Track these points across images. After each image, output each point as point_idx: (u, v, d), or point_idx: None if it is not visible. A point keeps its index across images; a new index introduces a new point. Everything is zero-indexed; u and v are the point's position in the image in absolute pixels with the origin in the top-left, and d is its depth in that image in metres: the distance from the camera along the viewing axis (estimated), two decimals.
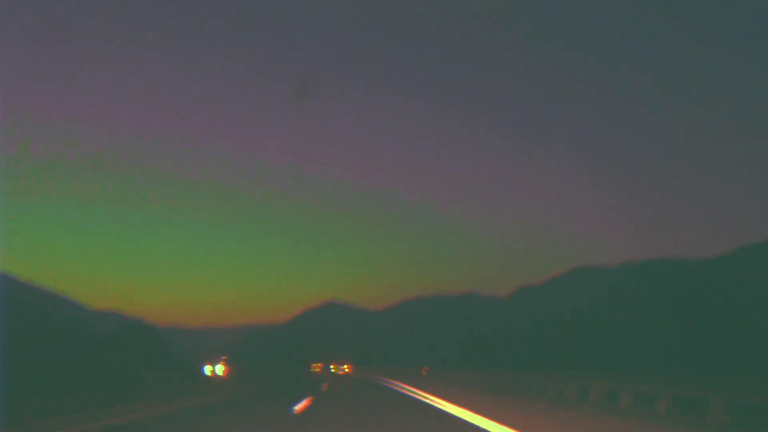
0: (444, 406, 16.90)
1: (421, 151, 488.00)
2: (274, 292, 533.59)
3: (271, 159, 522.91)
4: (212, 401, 21.41)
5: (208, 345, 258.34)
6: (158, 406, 18.92)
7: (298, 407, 17.27)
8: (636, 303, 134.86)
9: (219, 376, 67.19)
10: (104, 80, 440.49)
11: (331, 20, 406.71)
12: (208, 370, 70.19)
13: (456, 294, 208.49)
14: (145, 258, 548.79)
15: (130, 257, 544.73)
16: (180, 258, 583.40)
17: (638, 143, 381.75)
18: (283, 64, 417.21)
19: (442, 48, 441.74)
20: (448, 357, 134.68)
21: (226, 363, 68.97)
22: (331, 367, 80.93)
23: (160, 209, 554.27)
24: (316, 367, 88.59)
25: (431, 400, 19.79)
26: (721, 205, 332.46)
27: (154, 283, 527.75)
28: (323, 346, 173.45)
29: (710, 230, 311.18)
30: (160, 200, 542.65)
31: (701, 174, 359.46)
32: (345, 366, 78.63)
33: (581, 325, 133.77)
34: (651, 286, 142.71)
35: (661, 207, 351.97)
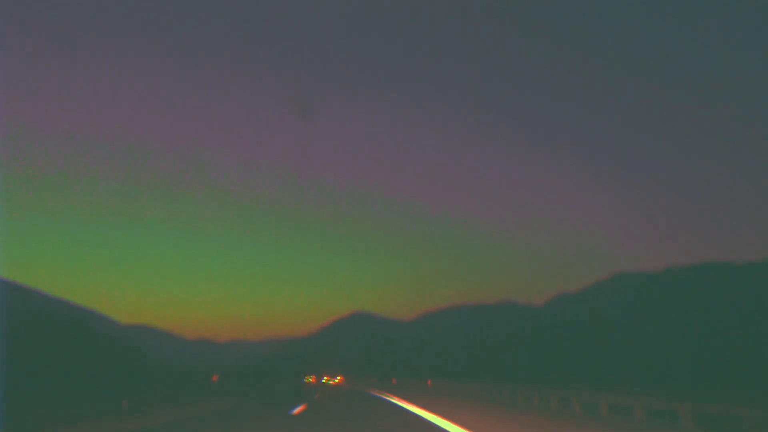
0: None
1: (454, 163, 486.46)
2: (302, 303, 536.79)
3: (301, 172, 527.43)
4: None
5: (235, 357, 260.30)
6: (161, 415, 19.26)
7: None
8: (680, 308, 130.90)
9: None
10: (121, 95, 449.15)
11: (337, 32, 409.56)
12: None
13: (491, 303, 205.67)
14: (174, 272, 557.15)
15: (158, 271, 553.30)
16: (208, 272, 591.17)
17: (682, 148, 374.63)
18: (295, 73, 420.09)
19: (468, 59, 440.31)
20: (479, 366, 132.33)
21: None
22: (324, 378, 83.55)
23: (191, 224, 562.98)
24: (310, 378, 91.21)
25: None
26: None
27: (183, 297, 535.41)
28: (350, 357, 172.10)
29: (756, 233, 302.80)
30: (189, 215, 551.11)
31: (746, 176, 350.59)
32: (337, 377, 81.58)
33: (622, 331, 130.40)
34: (696, 291, 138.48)
35: (704, 210, 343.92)
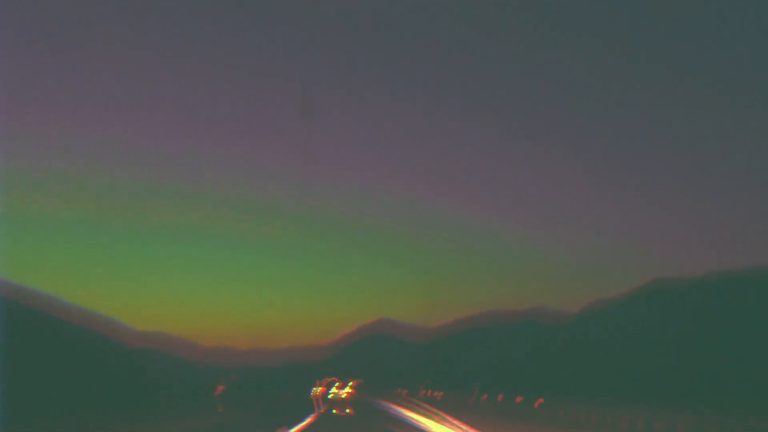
0: None
1: (485, 167, 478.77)
2: (326, 310, 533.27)
3: (320, 175, 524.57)
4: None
5: (255, 365, 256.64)
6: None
7: None
8: (727, 315, 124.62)
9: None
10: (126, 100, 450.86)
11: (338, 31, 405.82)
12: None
13: (522, 309, 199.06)
14: (192, 278, 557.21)
15: (176, 278, 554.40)
16: (228, 278, 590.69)
17: (724, 149, 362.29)
18: (304, 74, 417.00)
19: (483, 57, 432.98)
20: (512, 376, 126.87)
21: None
22: (331, 391, 75.61)
23: (210, 230, 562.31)
24: (318, 390, 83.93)
25: None
26: None
27: (202, 304, 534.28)
28: (374, 366, 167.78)
29: None
30: (208, 221, 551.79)
31: None
32: (347, 388, 73.68)
33: (662, 340, 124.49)
34: (743, 297, 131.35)
35: (749, 212, 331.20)
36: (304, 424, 39.65)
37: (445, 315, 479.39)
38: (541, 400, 48.66)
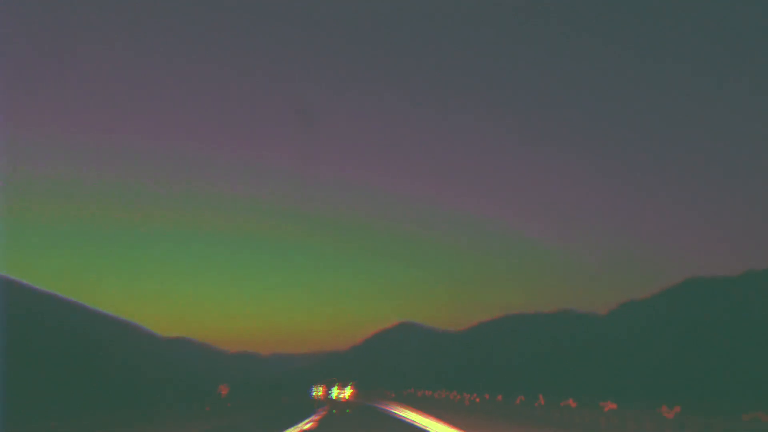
0: None
1: (507, 167, 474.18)
2: (347, 314, 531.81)
3: (341, 178, 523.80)
4: None
5: (277, 371, 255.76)
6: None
7: None
8: (760, 314, 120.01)
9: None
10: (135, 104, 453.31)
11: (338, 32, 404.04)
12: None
13: (549, 312, 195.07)
14: (216, 284, 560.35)
15: (200, 283, 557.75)
16: (252, 284, 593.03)
17: (759, 144, 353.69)
18: (303, 77, 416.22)
19: (494, 57, 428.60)
20: (542, 380, 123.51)
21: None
22: (334, 390, 75.88)
23: (234, 235, 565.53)
24: (320, 392, 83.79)
25: None
26: None
27: (225, 309, 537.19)
28: (396, 370, 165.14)
29: None
30: (226, 224, 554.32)
31: None
32: (347, 389, 74.96)
33: (697, 341, 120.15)
34: None
35: None
36: (308, 421, 38.74)
37: (468, 318, 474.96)
38: (570, 402, 45.57)
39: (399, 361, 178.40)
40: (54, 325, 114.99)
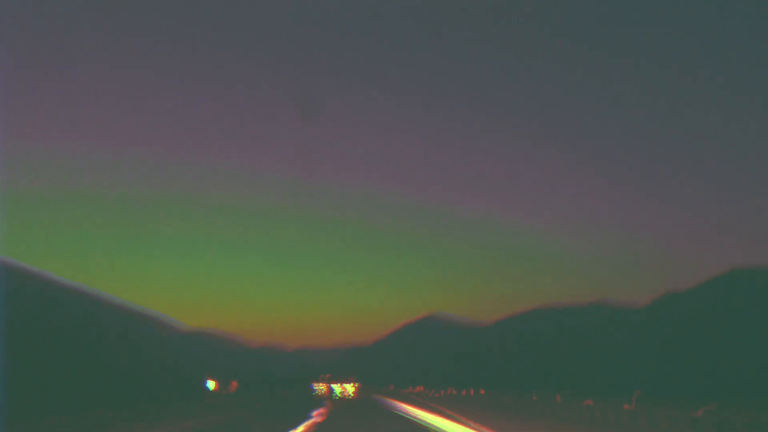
0: None
1: (542, 158, 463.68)
2: (374, 307, 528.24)
3: (368, 180, 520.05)
4: None
5: (302, 365, 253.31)
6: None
7: None
8: None
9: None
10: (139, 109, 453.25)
11: (335, 28, 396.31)
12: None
13: (583, 304, 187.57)
14: (242, 277, 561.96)
15: (226, 275, 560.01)
16: (278, 277, 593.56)
17: None
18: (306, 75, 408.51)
19: (499, 54, 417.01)
20: (576, 376, 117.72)
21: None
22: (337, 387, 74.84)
23: (257, 229, 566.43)
24: (322, 388, 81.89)
25: None
26: None
27: (252, 302, 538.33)
28: (423, 365, 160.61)
29: None
30: (256, 222, 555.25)
31: None
32: (351, 385, 74.13)
33: (741, 333, 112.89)
34: None
35: None
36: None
37: (498, 311, 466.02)
38: (590, 402, 40.80)
39: (423, 355, 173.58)
40: (79, 317, 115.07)
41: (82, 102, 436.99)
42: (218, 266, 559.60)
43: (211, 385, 75.42)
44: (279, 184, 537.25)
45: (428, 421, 38.14)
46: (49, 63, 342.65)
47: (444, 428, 34.28)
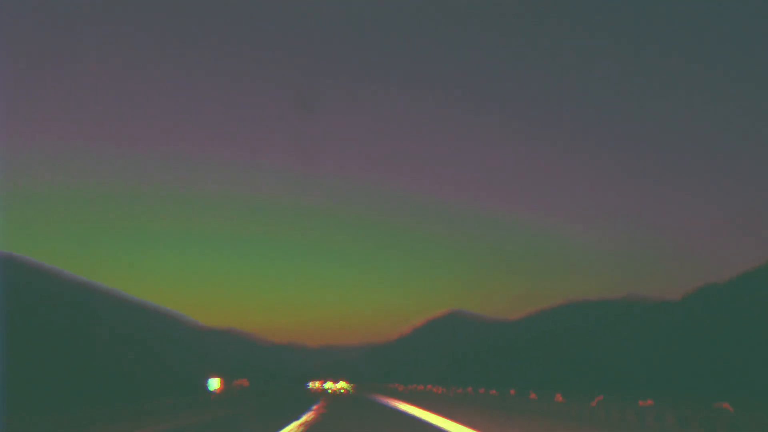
0: None
1: (570, 148, 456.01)
2: (397, 303, 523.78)
3: (390, 179, 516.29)
4: None
5: (325, 363, 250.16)
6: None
7: None
8: None
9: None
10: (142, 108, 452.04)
11: (336, 23, 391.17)
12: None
13: (614, 298, 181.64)
14: (263, 274, 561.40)
15: (246, 274, 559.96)
16: (299, 275, 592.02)
17: None
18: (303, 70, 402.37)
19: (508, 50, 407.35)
20: (609, 374, 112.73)
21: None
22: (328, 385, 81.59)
23: (275, 227, 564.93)
24: (316, 385, 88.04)
25: None
26: None
27: (272, 300, 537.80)
28: (445, 362, 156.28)
29: None
30: (277, 221, 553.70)
31: None
32: (342, 383, 79.04)
33: None
34: None
35: None
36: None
37: (525, 306, 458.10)
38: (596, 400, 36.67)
39: (446, 352, 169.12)
40: (96, 314, 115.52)
41: (83, 99, 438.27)
42: (239, 264, 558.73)
43: (214, 383, 71.72)
44: (303, 184, 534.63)
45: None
46: (48, 59, 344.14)
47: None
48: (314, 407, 55.71)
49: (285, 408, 56.42)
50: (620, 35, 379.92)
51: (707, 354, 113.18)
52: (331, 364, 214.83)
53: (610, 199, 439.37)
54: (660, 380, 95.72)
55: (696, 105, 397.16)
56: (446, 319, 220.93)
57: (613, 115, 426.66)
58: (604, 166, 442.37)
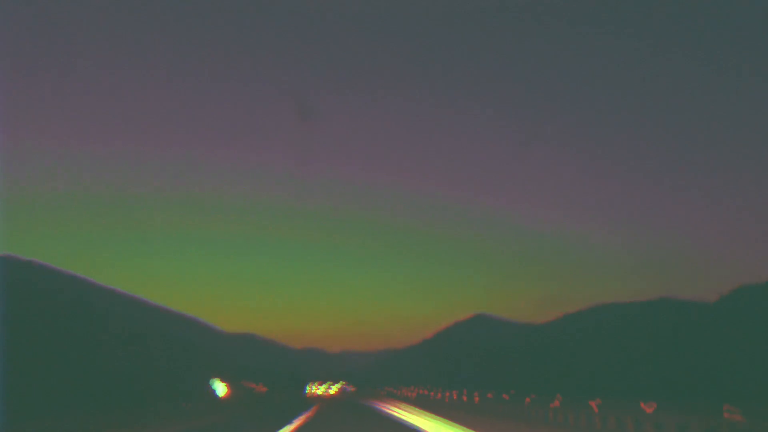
0: None
1: (607, 145, 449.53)
2: (420, 307, 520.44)
3: (411, 185, 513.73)
4: None
5: (345, 368, 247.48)
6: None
7: None
8: None
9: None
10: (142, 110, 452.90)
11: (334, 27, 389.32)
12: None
13: (646, 299, 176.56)
14: (283, 280, 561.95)
15: (267, 280, 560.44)
16: (321, 280, 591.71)
17: None
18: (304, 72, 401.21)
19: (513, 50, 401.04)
20: (642, 379, 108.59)
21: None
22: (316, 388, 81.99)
23: (298, 233, 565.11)
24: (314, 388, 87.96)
25: None
26: None
27: (293, 306, 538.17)
28: (470, 368, 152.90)
29: None
30: (300, 227, 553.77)
31: None
32: (335, 386, 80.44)
33: None
34: None
35: None
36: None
37: (552, 310, 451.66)
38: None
39: (470, 357, 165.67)
40: (117, 319, 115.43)
41: (85, 102, 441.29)
42: (261, 269, 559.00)
43: (220, 388, 69.88)
44: (328, 190, 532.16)
45: None
46: (49, 61, 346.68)
47: None
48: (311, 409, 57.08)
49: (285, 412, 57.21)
50: (638, 30, 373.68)
51: (745, 356, 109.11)
52: (348, 370, 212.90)
53: (642, 201, 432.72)
54: (703, 383, 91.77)
55: (735, 109, 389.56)
56: (470, 323, 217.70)
57: (644, 118, 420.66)
58: (635, 168, 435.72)
